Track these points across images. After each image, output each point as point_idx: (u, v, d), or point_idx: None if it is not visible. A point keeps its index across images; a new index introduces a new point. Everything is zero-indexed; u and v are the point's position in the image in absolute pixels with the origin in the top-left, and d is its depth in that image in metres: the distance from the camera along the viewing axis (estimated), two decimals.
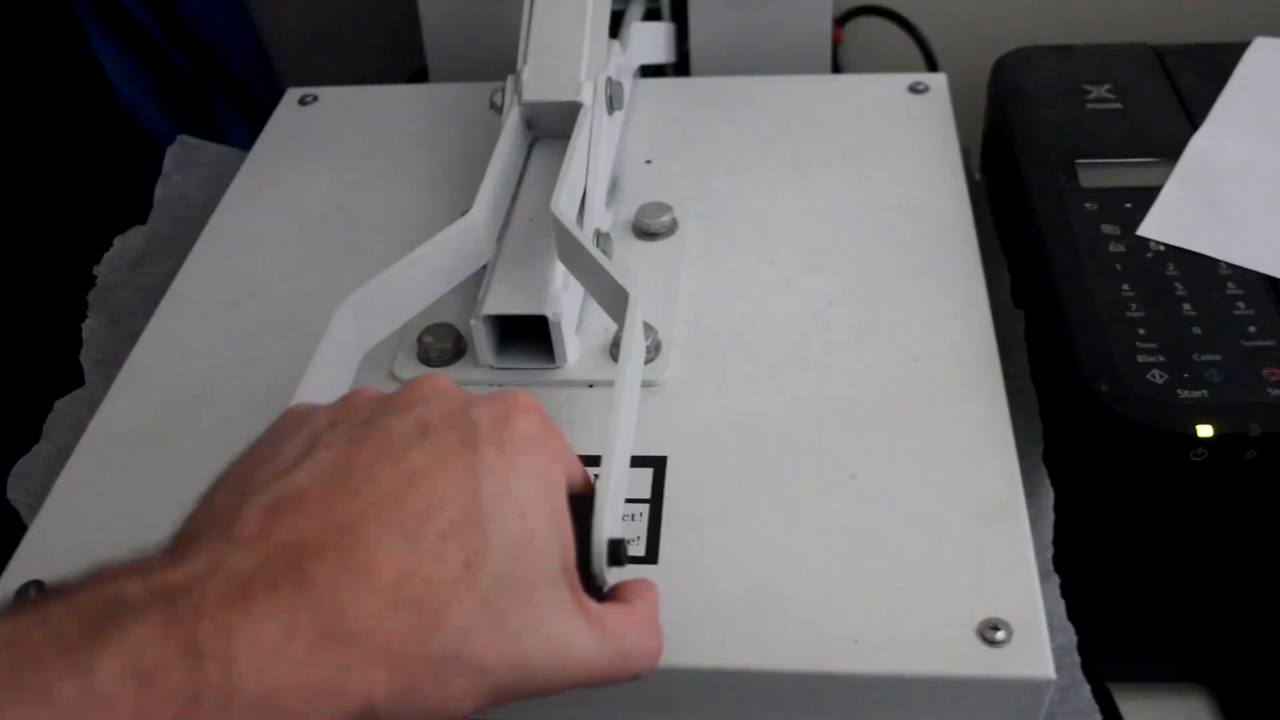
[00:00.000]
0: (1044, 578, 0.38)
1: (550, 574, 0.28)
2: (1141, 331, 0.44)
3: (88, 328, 0.52)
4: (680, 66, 0.66)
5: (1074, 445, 0.44)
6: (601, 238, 0.47)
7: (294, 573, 0.25)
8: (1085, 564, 0.43)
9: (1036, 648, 0.34)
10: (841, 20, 0.73)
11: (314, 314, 0.40)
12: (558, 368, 0.44)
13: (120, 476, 0.43)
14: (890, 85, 0.58)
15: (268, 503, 0.26)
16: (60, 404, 0.49)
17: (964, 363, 0.43)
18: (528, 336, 0.44)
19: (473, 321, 0.43)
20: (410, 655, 0.26)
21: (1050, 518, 0.41)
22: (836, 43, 0.68)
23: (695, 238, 0.50)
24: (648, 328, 0.44)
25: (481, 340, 0.43)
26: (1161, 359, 0.43)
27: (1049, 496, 0.42)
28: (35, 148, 0.64)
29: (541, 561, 0.28)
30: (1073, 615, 0.39)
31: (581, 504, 0.30)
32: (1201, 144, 0.52)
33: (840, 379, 0.43)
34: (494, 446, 0.28)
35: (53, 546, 0.40)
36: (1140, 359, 0.43)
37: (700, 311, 0.46)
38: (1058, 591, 0.39)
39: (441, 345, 0.44)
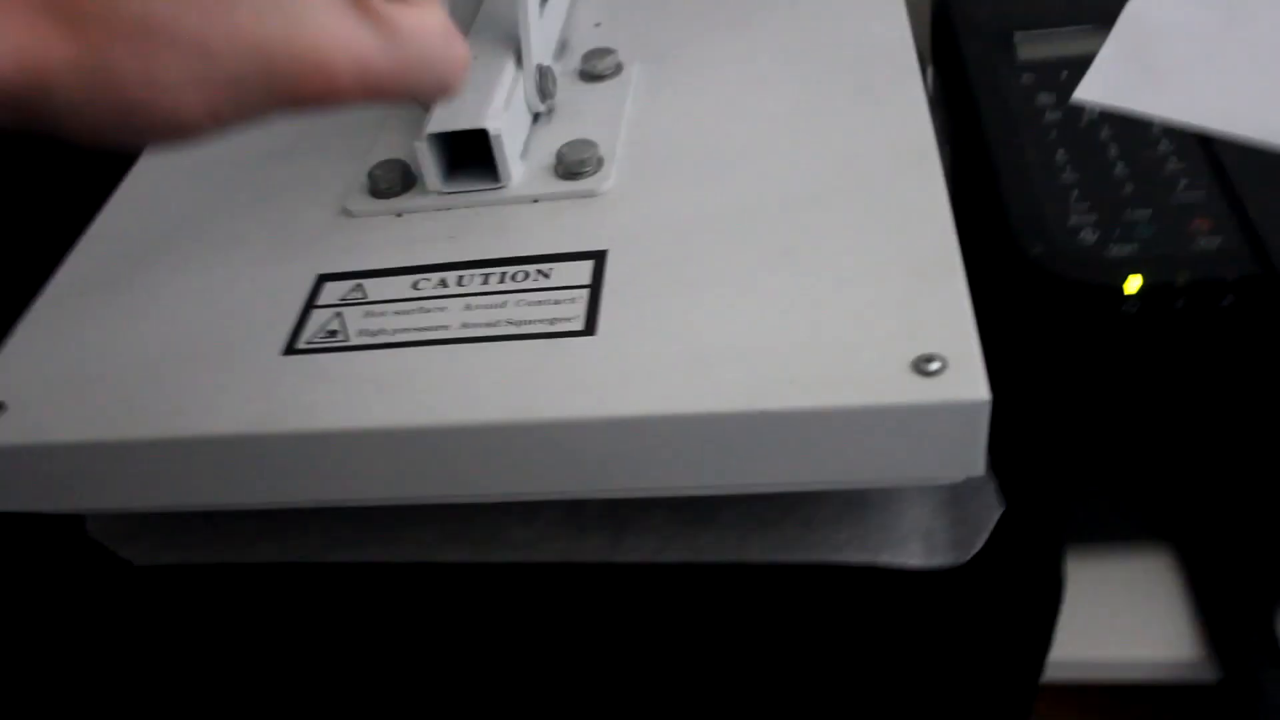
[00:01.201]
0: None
1: None
2: (1075, 195, 0.44)
3: None
4: None
5: (1011, 309, 0.44)
6: (544, 73, 0.47)
7: None
8: (1029, 427, 0.43)
9: (971, 374, 0.34)
10: None
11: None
12: (503, 186, 0.44)
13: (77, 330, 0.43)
14: None
15: None
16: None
17: (902, 154, 0.43)
18: (475, 164, 0.45)
19: (417, 144, 0.43)
20: (100, 14, 0.22)
21: None
22: None
23: (641, 78, 0.50)
24: (589, 143, 0.45)
25: (427, 163, 0.44)
26: (1093, 219, 0.43)
27: None
28: None
29: None
30: (1022, 481, 0.39)
31: None
32: (1137, 8, 0.52)
33: (781, 177, 0.43)
34: None
35: None
36: (1073, 221, 0.43)
37: (643, 134, 0.47)
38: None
39: (390, 176, 0.45)
